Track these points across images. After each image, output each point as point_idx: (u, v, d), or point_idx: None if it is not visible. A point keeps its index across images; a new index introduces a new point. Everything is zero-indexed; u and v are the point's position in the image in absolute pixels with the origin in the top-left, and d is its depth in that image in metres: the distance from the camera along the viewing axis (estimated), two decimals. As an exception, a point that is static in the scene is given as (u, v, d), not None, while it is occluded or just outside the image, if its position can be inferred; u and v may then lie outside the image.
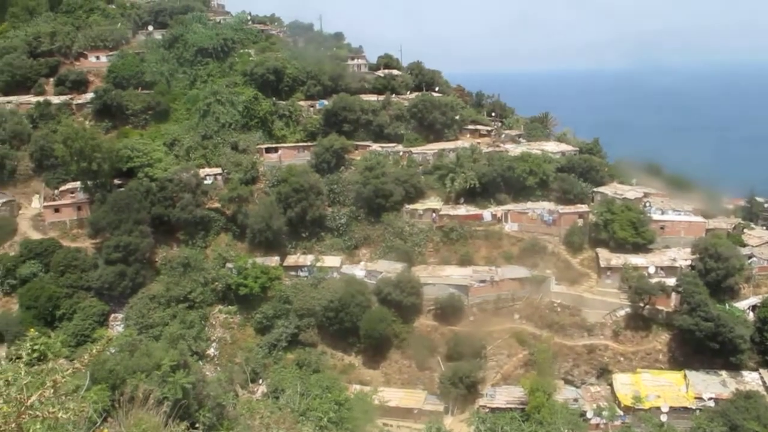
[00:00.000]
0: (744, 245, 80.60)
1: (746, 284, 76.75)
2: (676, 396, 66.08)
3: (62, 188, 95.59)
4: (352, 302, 77.16)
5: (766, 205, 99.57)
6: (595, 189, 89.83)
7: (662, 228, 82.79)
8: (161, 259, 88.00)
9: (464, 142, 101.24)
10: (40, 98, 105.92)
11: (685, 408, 64.74)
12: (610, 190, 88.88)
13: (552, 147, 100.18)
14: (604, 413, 65.10)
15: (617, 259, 78.84)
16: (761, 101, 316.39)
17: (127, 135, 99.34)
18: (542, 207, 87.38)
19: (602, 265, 79.13)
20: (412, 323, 79.94)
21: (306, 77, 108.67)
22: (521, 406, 66.64)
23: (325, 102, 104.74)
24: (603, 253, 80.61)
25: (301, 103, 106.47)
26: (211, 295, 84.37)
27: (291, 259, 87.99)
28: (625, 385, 68.92)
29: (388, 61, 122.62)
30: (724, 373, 68.11)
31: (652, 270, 76.94)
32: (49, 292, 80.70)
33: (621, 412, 65.54)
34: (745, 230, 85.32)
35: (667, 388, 67.45)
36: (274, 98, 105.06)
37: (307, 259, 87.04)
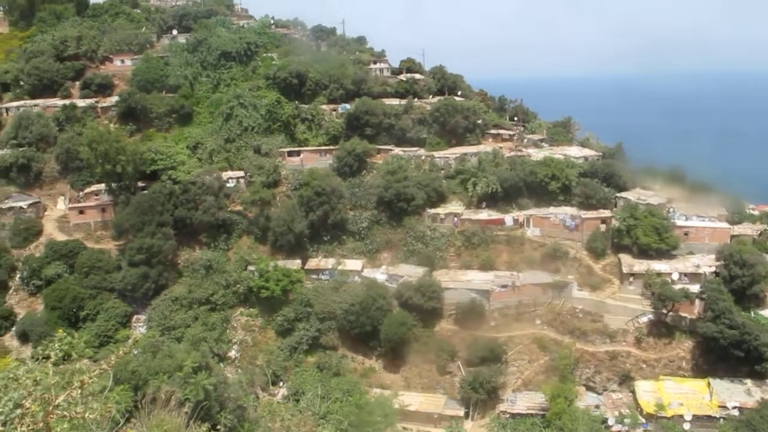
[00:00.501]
0: (770, 252, 79.50)
1: (772, 292, 75.70)
2: (700, 404, 65.30)
3: (87, 190, 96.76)
4: (373, 306, 77.16)
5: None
6: (618, 194, 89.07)
7: (686, 234, 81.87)
8: (184, 261, 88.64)
9: (486, 147, 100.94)
10: (66, 101, 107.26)
11: (709, 417, 63.96)
12: (633, 195, 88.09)
13: (575, 152, 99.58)
14: (626, 421, 64.57)
15: (640, 265, 78.08)
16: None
17: (151, 138, 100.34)
18: (564, 212, 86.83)
19: (625, 271, 78.44)
20: (432, 327, 79.76)
21: (328, 81, 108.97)
22: (542, 413, 66.31)
23: (348, 106, 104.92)
24: (626, 259, 79.90)
25: (324, 106, 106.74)
26: (232, 298, 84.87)
27: (312, 263, 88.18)
28: (647, 392, 68.24)
29: (410, 65, 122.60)
30: (749, 381, 67.18)
31: (675, 276, 76.14)
32: (73, 293, 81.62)
33: (643, 420, 64.94)
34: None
35: (690, 396, 66.69)
36: (296, 102, 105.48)
37: (329, 263, 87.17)
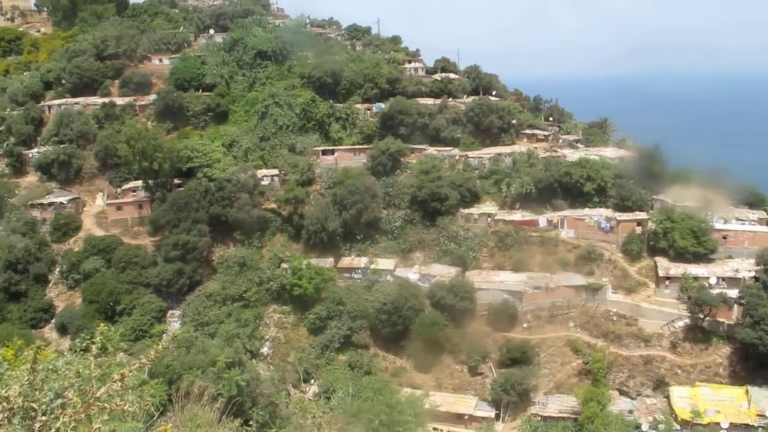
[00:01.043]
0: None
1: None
2: (737, 412, 63.99)
3: (125, 187, 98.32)
4: (405, 305, 77.15)
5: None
6: (654, 196, 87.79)
7: (724, 237, 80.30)
8: (218, 258, 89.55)
9: (521, 147, 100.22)
10: (106, 99, 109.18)
11: (747, 425, 62.59)
12: (670, 197, 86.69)
13: (610, 152, 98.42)
14: (661, 426, 63.56)
15: (676, 269, 76.85)
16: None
17: (188, 136, 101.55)
18: (599, 213, 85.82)
19: (661, 275, 77.25)
20: (464, 328, 79.39)
21: (363, 80, 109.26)
22: (574, 416, 65.65)
23: (382, 105, 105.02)
24: (662, 262, 78.73)
25: (358, 106, 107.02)
26: (265, 295, 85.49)
27: (345, 261, 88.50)
28: (682, 398, 67.11)
29: (445, 65, 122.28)
30: (789, 390, 65.75)
31: (713, 281, 74.72)
32: (110, 288, 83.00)
33: (678, 426, 63.85)
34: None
35: (727, 403, 65.39)
36: (331, 101, 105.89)
37: (361, 262, 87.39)
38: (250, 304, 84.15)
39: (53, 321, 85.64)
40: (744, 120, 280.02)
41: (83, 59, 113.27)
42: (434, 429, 66.72)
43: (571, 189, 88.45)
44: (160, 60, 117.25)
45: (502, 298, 78.92)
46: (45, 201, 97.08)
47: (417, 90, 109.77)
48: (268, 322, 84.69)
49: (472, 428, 68.79)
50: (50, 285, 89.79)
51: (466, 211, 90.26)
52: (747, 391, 65.99)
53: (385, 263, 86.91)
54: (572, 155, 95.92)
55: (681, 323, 74.32)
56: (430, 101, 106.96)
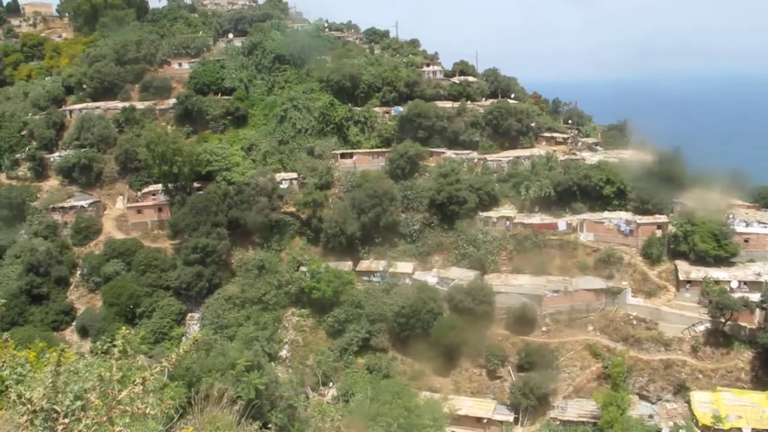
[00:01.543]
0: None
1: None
2: (760, 418, 63.11)
3: (145, 190, 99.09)
4: (424, 309, 77.00)
5: None
6: (674, 199, 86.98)
7: (746, 241, 79.40)
8: (237, 261, 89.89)
9: (540, 150, 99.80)
10: (126, 104, 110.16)
11: (770, 430, 61.91)
12: (690, 200, 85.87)
13: (630, 155, 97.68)
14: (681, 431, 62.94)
15: (697, 272, 76.12)
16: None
17: (207, 139, 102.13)
18: (619, 217, 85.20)
19: (681, 278, 76.55)
20: (483, 332, 79.05)
21: (381, 84, 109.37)
22: (593, 420, 65.11)
23: (400, 108, 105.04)
24: (682, 266, 78.00)
25: (377, 109, 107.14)
26: (284, 298, 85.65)
27: (364, 264, 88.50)
28: (703, 403, 66.33)
29: (463, 68, 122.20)
30: (813, 395, 64.80)
31: (734, 284, 73.94)
32: (130, 290, 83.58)
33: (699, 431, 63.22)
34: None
35: (749, 408, 64.51)
36: (349, 104, 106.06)
37: (380, 265, 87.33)
38: (269, 307, 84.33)
39: (74, 323, 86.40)
40: (751, 122, 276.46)
41: (104, 64, 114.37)
42: (453, 433, 66.48)
43: (590, 192, 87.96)
44: (180, 64, 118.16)
45: (521, 301, 78.57)
46: (66, 204, 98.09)
47: (435, 93, 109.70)
48: (286, 325, 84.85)
49: (491, 432, 68.50)
50: (71, 288, 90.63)
51: (485, 214, 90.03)
52: (770, 397, 65.18)
53: (403, 266, 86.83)
54: (591, 158, 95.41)
55: (702, 327, 73.54)
56: (448, 104, 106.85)
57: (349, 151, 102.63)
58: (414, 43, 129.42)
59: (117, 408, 6.42)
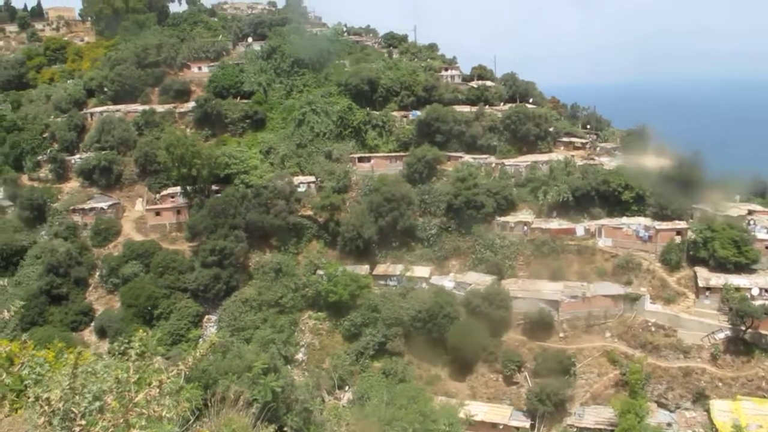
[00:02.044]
0: None
1: None
2: (781, 426, 62.42)
3: (163, 193, 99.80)
4: (441, 313, 76.84)
5: None
6: (694, 205, 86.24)
7: (767, 248, 78.65)
8: (254, 263, 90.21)
9: (558, 155, 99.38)
10: (146, 107, 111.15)
11: (791, 439, 61.08)
12: (710, 206, 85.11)
13: (649, 161, 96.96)
14: (701, 440, 62.33)
15: (717, 279, 75.36)
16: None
17: (226, 142, 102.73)
18: (638, 222, 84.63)
19: (701, 285, 75.81)
20: (500, 337, 78.80)
21: (400, 88, 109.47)
22: (611, 428, 64.60)
23: (418, 112, 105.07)
24: (702, 272, 77.26)
25: (395, 113, 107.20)
26: (301, 301, 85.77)
27: (381, 268, 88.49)
28: (723, 412, 65.55)
29: (481, 72, 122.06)
30: (835, 404, 63.89)
31: (755, 292, 73.12)
32: (148, 292, 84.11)
33: (719, 440, 62.52)
34: None
35: (770, 417, 63.83)
36: (367, 108, 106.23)
37: (397, 269, 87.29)
38: (286, 310, 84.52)
39: (93, 324, 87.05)
40: (758, 126, 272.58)
41: (125, 67, 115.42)
42: (469, 438, 66.18)
43: (608, 197, 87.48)
44: (200, 68, 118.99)
45: (538, 307, 78.19)
46: (86, 206, 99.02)
47: (453, 97, 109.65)
48: (303, 328, 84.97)
49: (507, 438, 68.12)
50: (90, 288, 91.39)
51: (503, 219, 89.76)
52: (791, 406, 64.33)
53: (420, 271, 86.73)
54: (610, 163, 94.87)
55: (722, 335, 72.77)
56: (466, 109, 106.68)
57: (367, 154, 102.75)
58: (432, 47, 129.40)
59: (134, 410, 6.48)
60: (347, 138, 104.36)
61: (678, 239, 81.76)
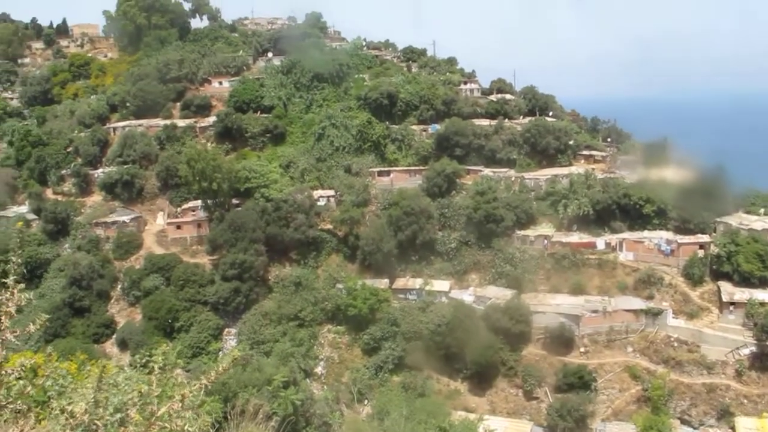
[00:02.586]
0: None
1: None
2: (807, 444, 61.35)
3: (184, 206, 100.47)
4: (460, 327, 76.51)
5: None
6: (717, 218, 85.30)
7: (793, 262, 77.51)
8: (274, 277, 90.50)
9: (578, 168, 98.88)
10: (168, 121, 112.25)
11: (817, 457, 60.01)
12: (734, 220, 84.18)
13: (671, 174, 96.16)
14: (725, 457, 61.39)
15: (741, 294, 74.35)
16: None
17: (246, 157, 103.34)
18: (660, 236, 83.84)
19: (725, 300, 74.85)
20: (520, 351, 78.38)
21: (419, 102, 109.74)
22: (633, 444, 63.90)
23: (438, 126, 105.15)
24: (725, 287, 76.31)
25: (414, 127, 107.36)
26: (320, 315, 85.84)
27: (400, 282, 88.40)
28: (749, 429, 64.47)
29: (500, 86, 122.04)
30: None
31: (781, 306, 72.13)
32: (169, 305, 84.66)
33: (744, 458, 61.56)
34: None
35: (796, 435, 62.75)
36: (387, 122, 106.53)
37: (416, 283, 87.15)
38: (305, 324, 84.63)
39: (114, 336, 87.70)
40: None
41: (147, 83, 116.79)
42: (488, 453, 65.66)
43: (630, 211, 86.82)
44: (220, 83, 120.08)
45: (558, 321, 77.65)
46: (108, 219, 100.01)
47: (473, 111, 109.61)
48: (322, 341, 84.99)
49: (528, 454, 67.54)
50: (112, 301, 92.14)
51: (522, 232, 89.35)
52: (818, 423, 63.22)
53: (440, 285, 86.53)
54: (631, 176, 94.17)
55: (747, 351, 71.74)
56: (485, 122, 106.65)
57: (387, 168, 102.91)
58: (451, 61, 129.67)
59: (156, 423, 6.55)
60: (366, 152, 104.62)
61: (701, 253, 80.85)
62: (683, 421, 69.23)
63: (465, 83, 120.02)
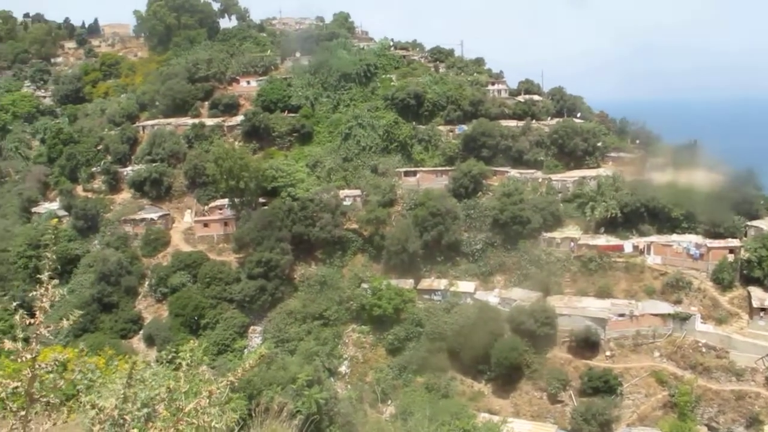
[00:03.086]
0: None
1: None
2: (838, 453, 60.23)
3: (211, 205, 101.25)
4: (485, 329, 76.24)
5: None
6: (748, 222, 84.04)
7: (825, 268, 76.14)
8: (299, 276, 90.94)
9: (606, 170, 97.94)
10: (196, 120, 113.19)
11: None
12: (765, 224, 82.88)
13: (701, 177, 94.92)
14: (754, 465, 60.48)
15: (773, 300, 73.28)
16: None
17: (273, 156, 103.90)
18: (688, 240, 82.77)
19: (755, 305, 73.71)
20: (545, 354, 77.85)
21: (446, 102, 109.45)
22: (659, 450, 63.20)
23: (465, 127, 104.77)
24: (756, 292, 75.13)
25: (441, 127, 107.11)
26: (345, 314, 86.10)
27: (425, 283, 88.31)
28: (778, 437, 63.64)
29: (528, 87, 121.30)
30: None
31: (813, 313, 70.91)
32: (195, 302, 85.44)
33: (773, 466, 60.60)
34: None
35: (827, 443, 61.66)
36: (413, 122, 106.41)
37: (441, 284, 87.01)
38: (330, 323, 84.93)
39: (141, 332, 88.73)
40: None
41: (176, 82, 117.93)
42: (512, 456, 65.34)
43: (658, 214, 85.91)
44: (248, 82, 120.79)
45: (584, 324, 77.01)
46: (137, 217, 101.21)
47: (500, 112, 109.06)
48: (347, 341, 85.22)
49: (552, 457, 67.10)
50: (139, 297, 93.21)
51: (549, 234, 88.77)
52: None
53: (465, 286, 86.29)
54: (660, 179, 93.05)
55: (777, 358, 70.58)
56: (513, 123, 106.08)
57: (413, 169, 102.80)
58: (479, 61, 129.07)
59: (184, 419, 6.63)
60: (393, 152, 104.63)
61: (731, 258, 79.67)
62: (710, 428, 68.31)
63: (492, 84, 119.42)
